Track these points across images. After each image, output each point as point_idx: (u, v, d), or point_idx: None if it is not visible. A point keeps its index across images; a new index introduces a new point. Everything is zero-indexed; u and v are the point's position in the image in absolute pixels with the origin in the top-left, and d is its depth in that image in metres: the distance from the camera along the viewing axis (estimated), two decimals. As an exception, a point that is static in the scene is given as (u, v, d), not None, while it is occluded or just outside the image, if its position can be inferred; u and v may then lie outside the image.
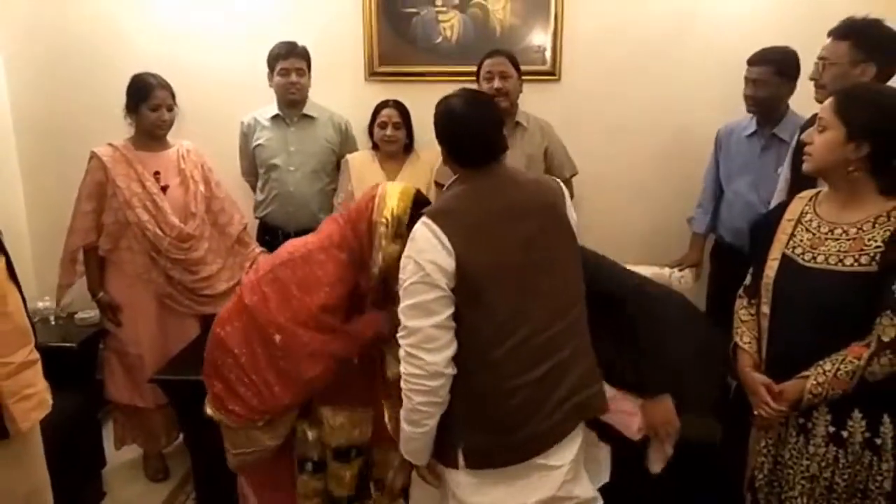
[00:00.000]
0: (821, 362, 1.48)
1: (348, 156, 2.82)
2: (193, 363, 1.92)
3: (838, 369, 1.45)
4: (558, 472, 1.47)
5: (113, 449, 2.70)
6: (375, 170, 2.76)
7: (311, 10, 2.98)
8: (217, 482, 1.99)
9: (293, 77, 2.70)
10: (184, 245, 2.52)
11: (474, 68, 2.60)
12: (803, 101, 2.21)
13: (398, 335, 1.46)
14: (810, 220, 1.57)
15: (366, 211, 1.71)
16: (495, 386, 1.44)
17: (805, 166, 1.57)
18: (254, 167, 2.88)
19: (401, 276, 1.47)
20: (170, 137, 2.60)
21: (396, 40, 2.98)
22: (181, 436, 2.63)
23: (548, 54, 2.93)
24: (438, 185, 2.66)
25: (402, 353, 1.45)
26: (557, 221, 1.55)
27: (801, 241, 1.56)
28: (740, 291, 1.75)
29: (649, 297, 1.74)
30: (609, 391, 1.73)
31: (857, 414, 1.48)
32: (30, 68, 3.13)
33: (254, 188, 2.95)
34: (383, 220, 1.66)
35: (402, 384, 1.46)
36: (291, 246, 1.81)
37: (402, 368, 1.45)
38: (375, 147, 2.80)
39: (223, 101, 3.02)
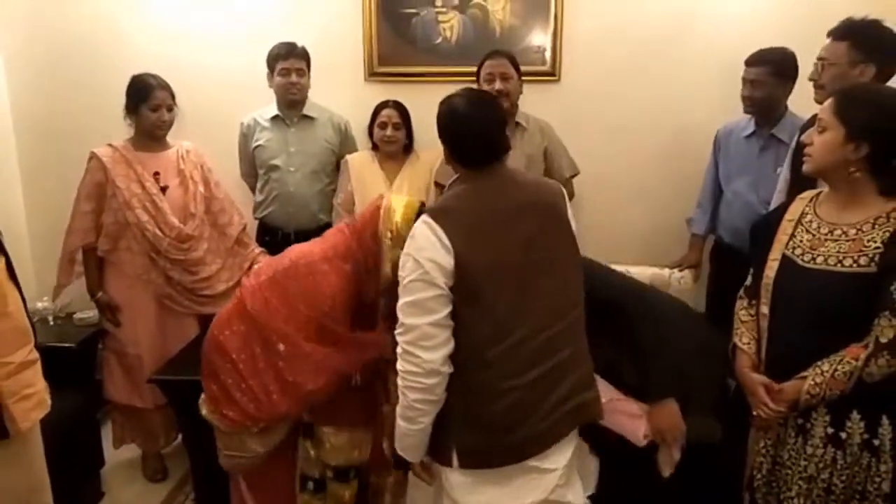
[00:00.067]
0: (819, 363, 1.48)
1: (348, 156, 2.82)
2: (192, 363, 1.92)
3: (836, 370, 1.45)
4: (552, 475, 1.47)
5: (111, 449, 2.70)
6: (375, 170, 2.77)
7: (310, 11, 2.98)
8: (216, 482, 1.98)
9: (293, 77, 2.70)
10: (183, 245, 2.52)
11: (474, 69, 2.60)
12: (803, 101, 2.21)
13: (396, 332, 1.46)
14: (810, 221, 1.57)
15: (371, 222, 1.71)
16: (491, 385, 1.44)
17: (805, 167, 1.57)
18: (253, 168, 2.88)
19: (400, 273, 1.48)
20: (169, 138, 2.60)
21: (396, 41, 2.98)
22: (180, 436, 2.63)
23: (547, 55, 2.93)
24: (438, 185, 2.66)
25: (399, 349, 1.45)
26: (558, 223, 1.56)
27: (801, 241, 1.56)
28: (741, 292, 1.75)
29: (648, 300, 1.75)
30: (612, 393, 1.74)
31: (855, 415, 1.48)
32: (30, 68, 3.13)
33: (253, 189, 2.95)
34: (388, 234, 1.67)
35: (399, 381, 1.46)
36: (295, 253, 1.79)
37: (399, 365, 1.45)
38: (375, 147, 2.80)
39: (223, 102, 3.02)
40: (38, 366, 1.62)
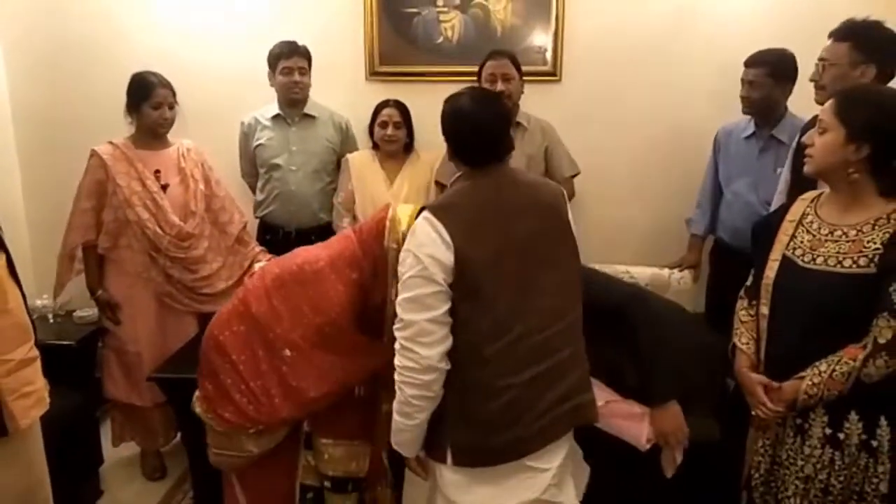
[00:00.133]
0: (817, 363, 1.48)
1: (348, 155, 2.83)
2: (192, 361, 1.91)
3: (833, 370, 1.45)
4: (545, 475, 1.47)
5: (110, 447, 2.70)
6: (376, 169, 2.77)
7: (311, 10, 2.98)
8: (214, 481, 1.98)
9: (296, 76, 2.70)
10: (183, 244, 2.52)
11: (475, 68, 2.60)
12: (803, 102, 2.21)
13: (394, 327, 1.47)
14: (811, 222, 1.58)
15: (377, 231, 1.70)
16: (488, 383, 1.45)
17: (806, 168, 1.57)
18: (254, 167, 2.88)
19: (399, 268, 1.48)
20: (170, 136, 2.60)
21: (397, 40, 2.98)
22: (179, 434, 2.63)
23: (548, 55, 2.93)
24: (439, 184, 2.66)
25: (397, 345, 1.45)
26: (558, 224, 1.56)
27: (802, 242, 1.56)
28: (741, 292, 1.75)
29: (647, 304, 1.76)
30: (609, 395, 1.74)
31: (853, 416, 1.48)
32: (29, 60, 3.12)
33: (253, 189, 2.95)
34: (394, 245, 1.65)
35: (396, 376, 1.46)
36: (301, 258, 1.78)
37: (397, 361, 1.45)
38: (376, 147, 2.80)
39: (223, 100, 3.02)
40: (38, 363, 1.62)
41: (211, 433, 1.79)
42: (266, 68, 2.75)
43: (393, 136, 2.72)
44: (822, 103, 1.69)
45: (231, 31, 3.02)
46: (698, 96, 2.89)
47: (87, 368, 2.79)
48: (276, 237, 2.83)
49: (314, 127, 2.83)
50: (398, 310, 1.45)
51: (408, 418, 1.48)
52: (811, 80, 2.01)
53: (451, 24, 2.96)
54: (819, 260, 1.51)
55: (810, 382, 1.47)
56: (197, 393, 1.79)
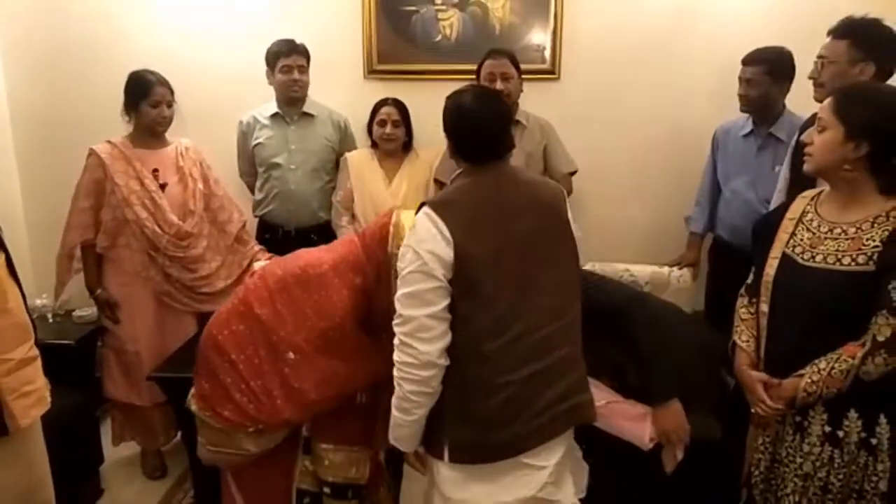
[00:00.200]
0: (816, 361, 1.48)
1: (347, 154, 2.83)
2: (191, 361, 1.91)
3: (832, 368, 1.45)
4: (542, 473, 1.47)
5: (111, 446, 2.70)
6: (374, 168, 2.77)
7: (310, 8, 2.98)
8: (215, 480, 1.98)
9: (296, 74, 2.70)
10: (182, 243, 2.51)
11: (474, 67, 2.60)
12: (802, 100, 2.22)
13: (393, 322, 1.47)
14: (811, 220, 1.58)
15: (381, 237, 1.70)
16: (487, 381, 1.45)
17: (806, 167, 1.57)
18: (252, 167, 2.87)
19: (399, 264, 1.48)
20: (168, 135, 2.59)
21: (396, 38, 2.98)
22: (179, 433, 2.63)
23: (547, 53, 2.93)
24: (438, 182, 2.66)
25: (396, 340, 1.46)
26: (557, 223, 1.56)
27: (802, 240, 1.56)
28: (742, 290, 1.75)
29: (645, 304, 1.77)
30: (608, 396, 1.74)
31: (853, 414, 1.48)
32: (28, 60, 3.12)
33: (251, 188, 2.95)
34: (398, 252, 1.64)
35: (395, 371, 1.46)
36: (304, 260, 1.77)
37: (396, 356, 1.46)
38: (374, 145, 2.80)
39: (222, 100, 3.01)
40: (39, 363, 1.62)
41: (207, 430, 1.77)
42: (264, 67, 2.74)
43: (391, 135, 2.72)
44: (820, 101, 1.69)
45: (230, 31, 3.01)
46: (698, 95, 2.89)
47: (87, 368, 2.79)
48: (275, 236, 2.83)
49: (313, 125, 2.82)
50: (397, 305, 1.46)
51: (406, 414, 1.48)
52: (810, 78, 2.02)
53: (450, 23, 2.95)
54: (818, 258, 1.51)
55: (809, 380, 1.48)
56: (192, 391, 1.78)
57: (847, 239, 1.48)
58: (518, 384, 1.44)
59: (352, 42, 2.98)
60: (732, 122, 2.67)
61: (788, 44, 2.46)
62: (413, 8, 2.94)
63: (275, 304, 1.70)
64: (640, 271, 2.72)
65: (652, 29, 2.87)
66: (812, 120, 1.63)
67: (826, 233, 1.52)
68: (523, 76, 2.60)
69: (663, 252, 2.92)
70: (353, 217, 2.77)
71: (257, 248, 2.73)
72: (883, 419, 1.47)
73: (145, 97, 2.44)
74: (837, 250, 1.48)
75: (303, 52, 2.71)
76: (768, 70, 2.43)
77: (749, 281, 1.73)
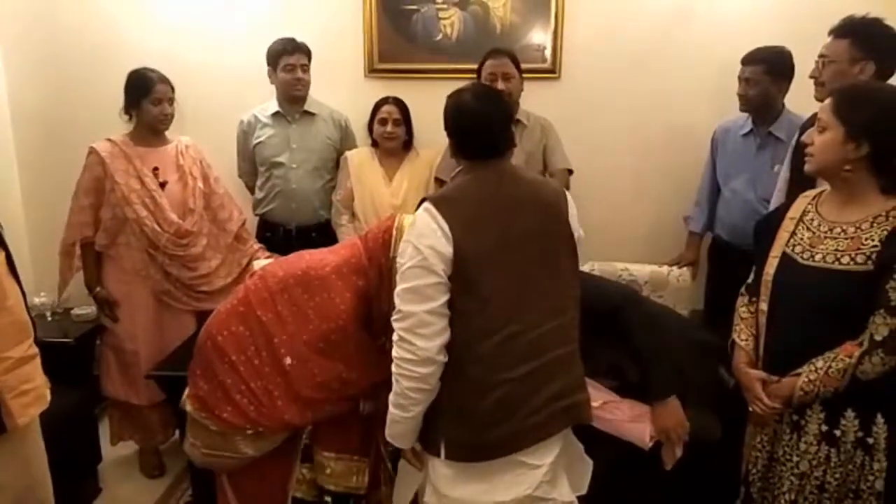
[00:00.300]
0: (814, 360, 1.49)
1: (348, 153, 2.83)
2: (190, 359, 1.91)
3: (830, 367, 1.46)
4: (538, 471, 1.47)
5: (109, 445, 2.70)
6: (375, 167, 2.77)
7: (311, 7, 2.97)
8: (213, 479, 1.98)
9: (299, 73, 2.70)
10: (182, 241, 2.51)
11: (474, 66, 2.60)
12: (802, 100, 2.22)
13: (392, 318, 1.46)
14: (811, 219, 1.58)
15: (383, 241, 1.70)
16: (483, 379, 1.45)
17: (807, 167, 1.57)
18: (252, 166, 2.87)
19: (399, 259, 1.48)
20: (168, 133, 2.59)
21: (396, 37, 2.97)
22: (177, 432, 2.62)
23: (548, 52, 2.93)
24: (438, 181, 2.66)
25: (395, 336, 1.45)
26: (557, 223, 1.56)
27: (802, 239, 1.56)
28: (742, 289, 1.75)
29: (641, 305, 1.78)
30: (606, 396, 1.74)
31: (850, 413, 1.49)
32: (28, 59, 3.11)
33: (249, 187, 2.94)
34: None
35: (393, 368, 1.46)
36: (305, 262, 1.77)
37: (394, 352, 1.45)
38: (375, 144, 2.80)
39: (222, 99, 3.01)
40: (38, 361, 1.61)
41: (202, 432, 1.74)
42: (265, 65, 2.74)
43: (392, 134, 2.72)
44: (821, 100, 1.69)
45: (230, 30, 3.01)
46: (697, 94, 2.89)
47: (86, 366, 2.79)
48: (276, 235, 2.83)
49: (314, 124, 2.82)
50: (397, 301, 1.45)
51: (403, 410, 1.48)
52: (811, 77, 2.02)
53: (451, 22, 2.95)
54: (818, 257, 1.51)
55: (806, 379, 1.48)
56: (187, 391, 1.76)
57: (846, 238, 1.48)
58: (513, 382, 1.44)
59: (352, 41, 2.98)
60: (732, 121, 2.67)
61: (788, 44, 2.46)
62: (414, 7, 2.94)
63: (276, 305, 1.70)
64: (640, 271, 2.72)
65: (652, 29, 2.87)
66: (812, 120, 1.63)
67: (826, 232, 1.52)
68: (524, 76, 2.60)
69: (662, 251, 2.92)
70: (354, 216, 2.77)
71: (257, 246, 2.73)
72: (880, 418, 1.47)
73: (147, 94, 2.44)
74: (837, 250, 1.48)
75: (305, 50, 2.71)
76: (768, 69, 2.43)
77: (749, 280, 1.73)
